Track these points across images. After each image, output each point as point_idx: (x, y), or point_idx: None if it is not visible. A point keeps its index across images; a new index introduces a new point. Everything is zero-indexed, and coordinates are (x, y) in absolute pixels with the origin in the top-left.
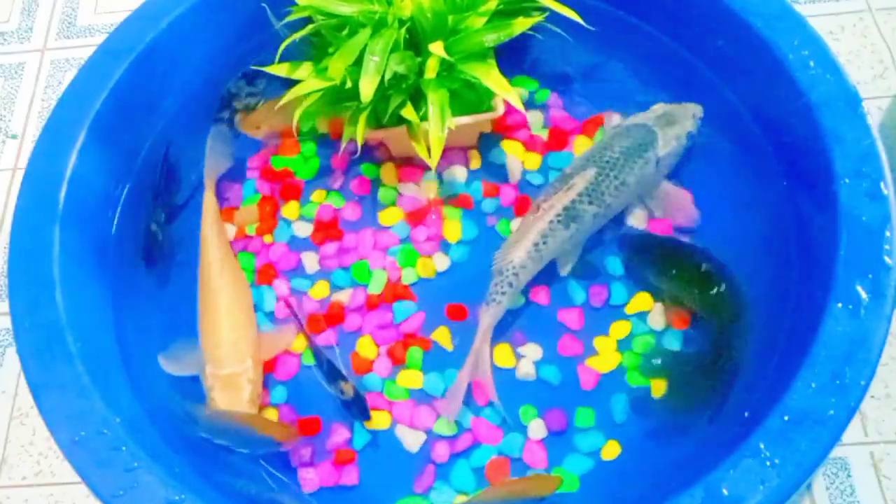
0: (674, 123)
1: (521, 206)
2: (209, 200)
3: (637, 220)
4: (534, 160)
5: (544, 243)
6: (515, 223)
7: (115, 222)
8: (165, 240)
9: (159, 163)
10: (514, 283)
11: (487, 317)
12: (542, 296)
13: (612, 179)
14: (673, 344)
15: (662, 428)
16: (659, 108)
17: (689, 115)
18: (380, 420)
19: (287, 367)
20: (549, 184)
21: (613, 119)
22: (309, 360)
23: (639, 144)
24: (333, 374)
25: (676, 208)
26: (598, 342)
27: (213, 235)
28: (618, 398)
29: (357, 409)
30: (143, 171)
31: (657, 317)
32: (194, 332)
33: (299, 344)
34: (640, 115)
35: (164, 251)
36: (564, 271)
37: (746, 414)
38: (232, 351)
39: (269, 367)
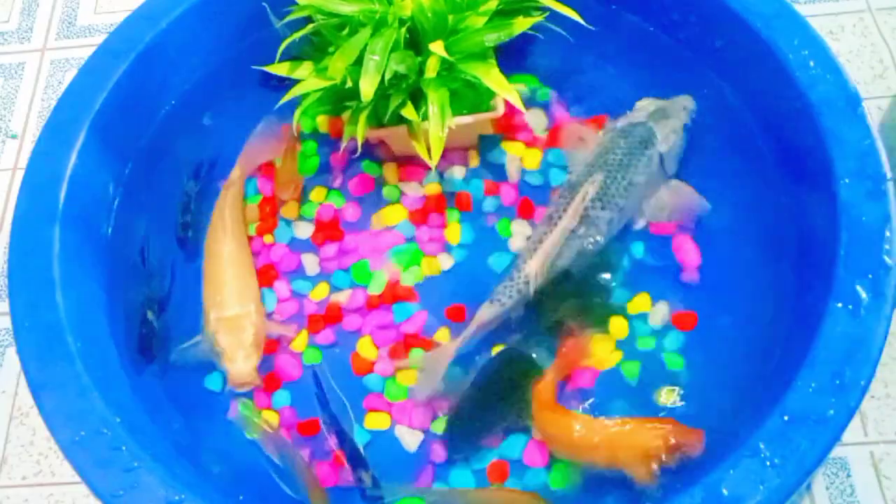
0: (668, 118)
1: (522, 208)
2: (237, 175)
3: (638, 222)
4: (533, 160)
5: (560, 255)
6: (516, 224)
7: (115, 222)
8: (160, 330)
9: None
10: (523, 291)
11: (485, 312)
12: None
13: (621, 181)
14: (673, 344)
15: None
16: (648, 103)
17: (680, 109)
18: (379, 421)
19: (289, 370)
20: (556, 191)
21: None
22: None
23: (639, 143)
24: (358, 461)
25: (685, 204)
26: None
27: (231, 209)
28: (617, 397)
29: (369, 499)
30: (142, 171)
31: (658, 316)
32: (194, 333)
33: (300, 343)
34: (631, 115)
35: (160, 342)
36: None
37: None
38: (235, 294)
39: (271, 373)
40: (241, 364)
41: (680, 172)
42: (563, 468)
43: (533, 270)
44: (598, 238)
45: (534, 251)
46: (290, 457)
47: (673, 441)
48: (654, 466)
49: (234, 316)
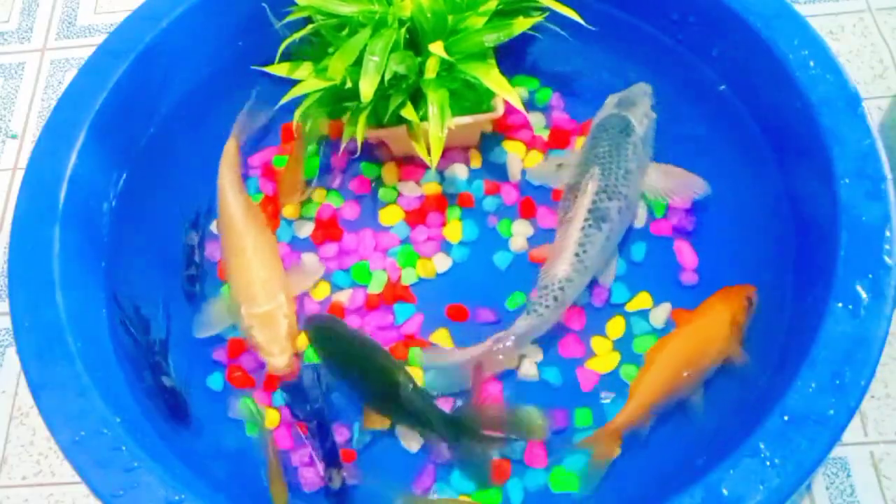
0: (635, 104)
1: (524, 208)
2: (230, 148)
3: (638, 220)
4: (535, 160)
5: (584, 252)
6: (518, 224)
7: (115, 222)
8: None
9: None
10: (560, 298)
11: (523, 324)
12: None
13: (616, 169)
14: None
15: (662, 428)
16: (611, 98)
17: (642, 94)
18: (380, 421)
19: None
20: (558, 192)
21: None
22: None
23: (619, 132)
24: (333, 458)
25: (680, 183)
26: (596, 343)
27: (232, 183)
28: (616, 398)
29: (336, 500)
30: (141, 170)
31: (659, 316)
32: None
33: (303, 340)
34: (601, 112)
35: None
36: (607, 280)
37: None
38: (264, 288)
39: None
40: (278, 358)
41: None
42: (562, 468)
43: (564, 273)
44: (613, 229)
45: (558, 255)
46: (267, 450)
47: (745, 297)
48: (740, 333)
49: (267, 312)
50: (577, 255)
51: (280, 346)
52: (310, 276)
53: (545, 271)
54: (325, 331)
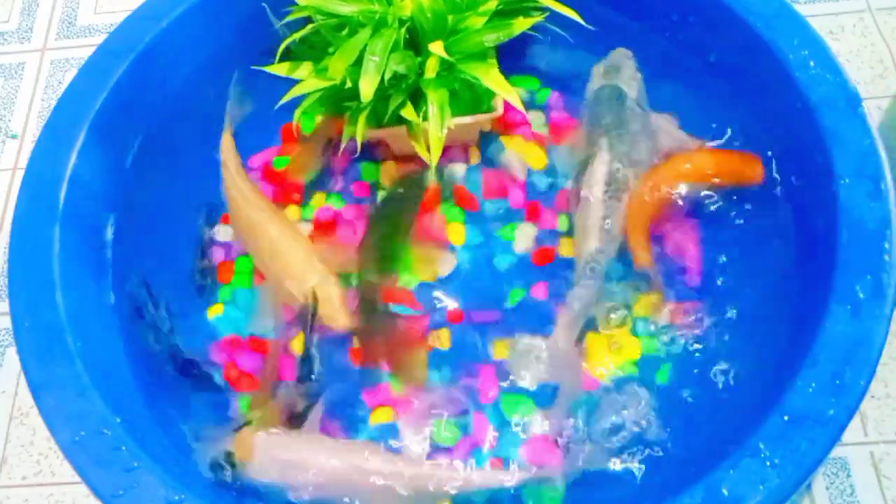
0: (620, 69)
1: (529, 210)
2: (227, 142)
3: None
4: (539, 161)
5: (608, 224)
6: (522, 228)
7: (116, 222)
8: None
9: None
10: (597, 269)
11: (575, 301)
12: (541, 291)
13: (620, 135)
14: (673, 342)
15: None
16: (596, 69)
17: (624, 58)
18: (382, 415)
19: (289, 370)
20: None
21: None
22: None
23: (615, 99)
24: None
25: (670, 137)
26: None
27: (237, 176)
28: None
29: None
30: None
31: (659, 315)
32: (194, 332)
33: (299, 341)
34: (591, 84)
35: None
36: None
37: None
38: (304, 265)
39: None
40: (341, 323)
41: None
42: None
43: (594, 247)
44: (629, 193)
45: (586, 234)
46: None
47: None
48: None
49: (315, 285)
50: (600, 229)
51: (340, 312)
52: (341, 252)
53: (578, 252)
54: None
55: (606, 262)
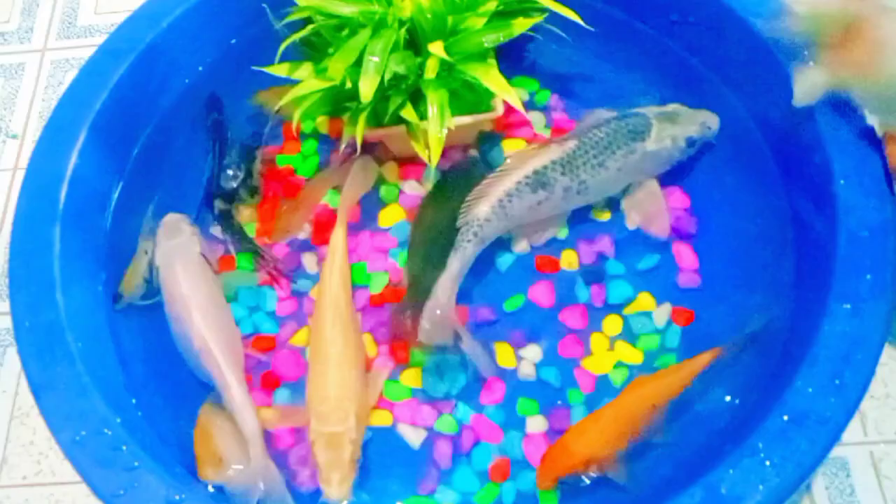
0: (675, 123)
1: None
2: (338, 236)
3: (632, 223)
4: None
5: (509, 201)
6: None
7: (116, 222)
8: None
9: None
10: (479, 234)
11: (455, 261)
12: (542, 296)
13: (591, 158)
14: (673, 342)
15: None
16: (671, 106)
17: (696, 121)
18: (381, 418)
19: (291, 368)
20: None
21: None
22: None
23: (629, 131)
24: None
25: (649, 214)
26: (595, 342)
27: (335, 279)
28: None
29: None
30: (141, 170)
31: (659, 315)
32: None
33: (300, 338)
34: (648, 108)
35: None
36: (520, 248)
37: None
38: (337, 409)
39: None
40: (334, 489)
41: (679, 172)
42: None
43: (484, 214)
44: (550, 200)
45: (484, 195)
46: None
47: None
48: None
49: (335, 433)
50: (500, 201)
51: (341, 473)
52: (378, 385)
53: (466, 209)
54: None
55: (492, 235)
